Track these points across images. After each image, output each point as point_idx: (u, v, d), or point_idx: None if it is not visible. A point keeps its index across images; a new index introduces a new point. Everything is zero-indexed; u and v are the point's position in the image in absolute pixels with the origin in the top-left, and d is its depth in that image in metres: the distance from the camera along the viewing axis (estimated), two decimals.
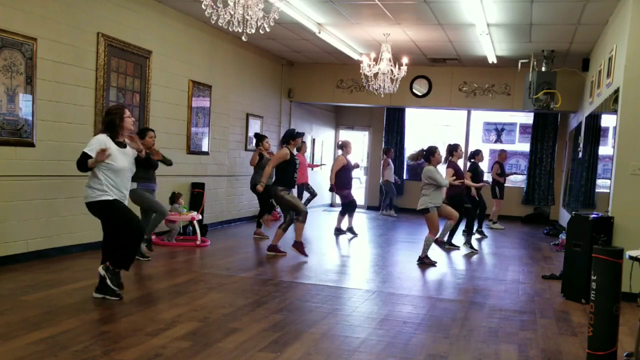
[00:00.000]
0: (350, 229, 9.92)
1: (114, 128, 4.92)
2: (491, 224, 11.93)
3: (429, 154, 7.63)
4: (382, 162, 13.59)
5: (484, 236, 10.43)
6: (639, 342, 3.96)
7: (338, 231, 9.94)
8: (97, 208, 4.88)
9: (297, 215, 7.45)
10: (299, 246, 7.48)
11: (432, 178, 7.43)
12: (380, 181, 13.56)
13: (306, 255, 7.44)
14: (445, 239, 7.44)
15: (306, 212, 7.47)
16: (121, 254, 4.92)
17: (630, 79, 6.06)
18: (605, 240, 5.70)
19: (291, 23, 8.97)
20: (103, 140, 4.85)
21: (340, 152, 9.95)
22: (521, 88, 11.25)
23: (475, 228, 9.23)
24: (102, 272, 4.90)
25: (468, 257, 8.29)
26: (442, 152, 8.03)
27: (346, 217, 9.97)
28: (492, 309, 5.39)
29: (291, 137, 7.52)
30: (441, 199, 7.60)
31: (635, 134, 6.01)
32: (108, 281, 4.87)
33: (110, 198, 4.84)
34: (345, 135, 16.27)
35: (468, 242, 8.74)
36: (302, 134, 7.68)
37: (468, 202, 8.93)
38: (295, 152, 7.65)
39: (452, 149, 8.72)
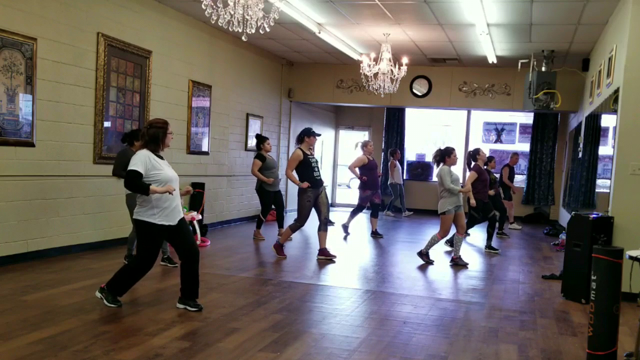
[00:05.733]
0: (345, 226, 9.99)
1: (157, 142, 4.66)
2: (510, 225, 12.07)
3: (444, 155, 7.61)
4: (388, 163, 13.59)
5: (505, 236, 10.70)
6: (639, 342, 3.96)
7: (345, 229, 10.02)
8: (137, 225, 4.71)
9: (295, 220, 7.48)
10: (279, 248, 7.51)
11: (441, 178, 7.45)
12: (389, 182, 13.59)
13: (284, 256, 7.46)
14: (429, 251, 7.50)
15: (301, 225, 7.46)
16: (121, 279, 4.77)
17: (630, 79, 6.06)
18: (605, 240, 5.72)
19: (291, 23, 8.97)
20: (147, 155, 4.60)
21: (360, 152, 9.97)
22: (521, 88, 11.25)
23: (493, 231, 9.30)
24: (99, 295, 4.78)
25: (491, 257, 8.35)
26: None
27: (356, 217, 10.06)
28: (492, 309, 5.39)
29: (305, 135, 7.47)
30: (460, 201, 7.57)
31: (635, 134, 6.00)
32: (105, 301, 4.72)
33: (155, 222, 4.62)
34: (345, 135, 16.29)
35: (488, 246, 8.82)
36: (315, 134, 7.57)
37: (478, 210, 8.94)
38: (309, 152, 7.53)
39: (475, 153, 8.92)
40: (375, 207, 9.95)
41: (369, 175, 9.72)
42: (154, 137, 4.66)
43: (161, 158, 4.74)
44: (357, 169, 9.73)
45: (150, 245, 4.71)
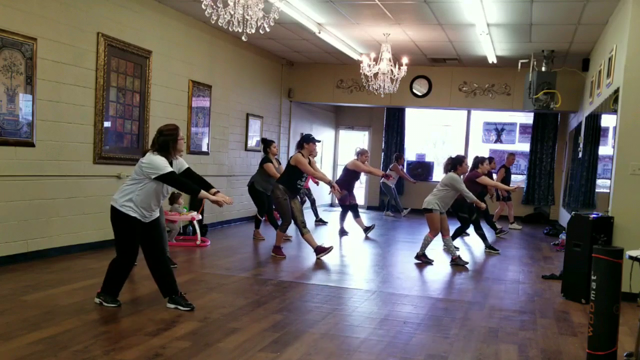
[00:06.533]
0: (341, 230, 10.08)
1: (167, 150, 4.65)
2: (510, 225, 12.11)
3: (456, 163, 7.65)
4: (391, 165, 13.60)
5: (502, 232, 10.78)
6: (639, 342, 3.96)
7: (342, 233, 10.08)
8: (113, 214, 4.69)
9: (281, 222, 7.57)
10: (277, 250, 7.55)
11: (456, 187, 7.50)
12: (381, 181, 13.58)
13: (283, 256, 7.49)
14: (425, 252, 7.58)
15: (289, 223, 7.52)
16: (111, 278, 4.78)
17: (630, 79, 6.06)
18: (605, 240, 5.72)
19: (291, 23, 8.97)
20: (165, 161, 4.62)
21: (355, 157, 10.03)
22: (521, 88, 11.25)
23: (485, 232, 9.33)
24: (98, 301, 4.80)
25: (491, 257, 8.38)
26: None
27: (347, 219, 10.12)
28: (492, 309, 5.39)
29: (304, 142, 7.51)
30: (446, 208, 7.64)
31: (635, 134, 6.00)
32: (104, 304, 4.75)
33: (129, 214, 4.63)
34: (345, 135, 16.28)
35: (487, 247, 8.86)
36: (315, 140, 7.63)
37: (466, 211, 8.95)
38: (308, 159, 7.56)
39: (479, 162, 8.98)
40: (354, 207, 10.05)
41: (351, 179, 9.96)
42: (164, 145, 4.67)
43: (170, 165, 4.73)
44: (370, 168, 9.95)
45: (127, 237, 4.71)
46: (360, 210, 10.41)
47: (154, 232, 4.82)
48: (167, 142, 4.66)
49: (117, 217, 4.68)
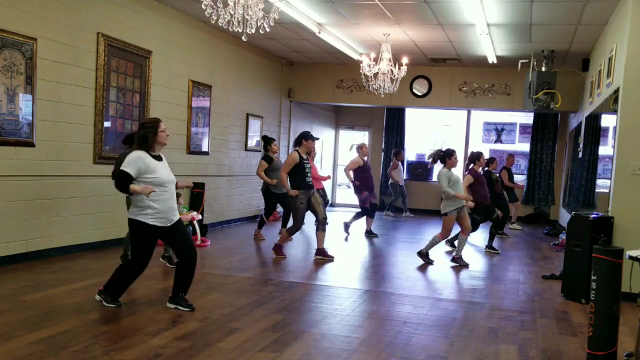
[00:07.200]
0: (347, 225, 9.96)
1: (147, 142, 4.62)
2: (510, 225, 12.13)
3: (445, 157, 7.61)
4: (391, 163, 13.61)
5: (505, 236, 10.69)
6: (639, 342, 3.96)
7: (346, 228, 9.99)
8: (130, 225, 4.68)
9: (291, 225, 7.50)
10: (278, 250, 7.52)
11: (438, 181, 7.44)
12: (389, 182, 13.60)
13: (283, 256, 7.48)
14: (429, 251, 7.59)
15: (298, 229, 7.47)
16: (117, 280, 4.78)
17: (630, 79, 6.06)
18: (605, 240, 5.72)
19: (291, 23, 8.97)
20: (140, 156, 4.57)
21: (356, 153, 9.97)
22: (521, 88, 11.25)
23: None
24: (98, 298, 4.81)
25: (491, 258, 8.39)
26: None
27: (363, 219, 10.02)
28: (492, 309, 5.39)
29: (302, 138, 7.49)
30: (462, 202, 7.49)
31: (635, 134, 6.01)
32: (105, 303, 4.74)
33: (148, 222, 4.59)
34: (345, 135, 16.29)
35: (489, 246, 8.89)
36: (314, 138, 7.59)
37: (481, 213, 8.93)
38: (305, 156, 7.53)
39: (475, 157, 8.84)
40: (373, 206, 9.91)
41: (364, 176, 9.74)
42: (143, 138, 4.64)
43: (159, 158, 4.71)
44: (351, 172, 9.73)
45: (143, 246, 4.70)
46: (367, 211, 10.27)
47: (179, 232, 4.79)
48: (146, 135, 4.64)
49: (135, 225, 4.64)
